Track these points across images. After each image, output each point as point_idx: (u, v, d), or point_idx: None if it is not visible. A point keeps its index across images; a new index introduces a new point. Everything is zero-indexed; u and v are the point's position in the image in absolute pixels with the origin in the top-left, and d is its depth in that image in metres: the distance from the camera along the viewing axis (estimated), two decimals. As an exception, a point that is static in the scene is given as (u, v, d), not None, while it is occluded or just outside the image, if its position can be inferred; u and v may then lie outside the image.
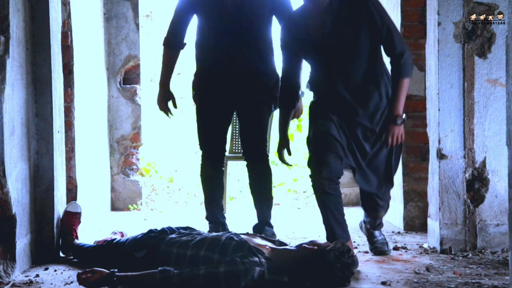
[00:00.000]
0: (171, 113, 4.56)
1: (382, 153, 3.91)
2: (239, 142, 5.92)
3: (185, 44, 4.50)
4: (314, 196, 7.09)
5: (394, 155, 3.95)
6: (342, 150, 3.80)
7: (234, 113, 4.59)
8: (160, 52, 4.65)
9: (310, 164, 3.82)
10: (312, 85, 3.98)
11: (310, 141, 3.87)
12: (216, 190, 4.61)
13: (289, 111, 4.06)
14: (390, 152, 3.92)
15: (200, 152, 4.60)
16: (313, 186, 3.84)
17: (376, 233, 4.21)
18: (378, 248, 4.13)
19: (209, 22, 4.36)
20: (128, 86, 6.43)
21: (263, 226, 4.50)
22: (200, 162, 4.61)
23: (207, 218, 4.63)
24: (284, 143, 4.07)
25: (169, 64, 4.50)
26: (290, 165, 4.24)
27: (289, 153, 4.05)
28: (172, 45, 4.46)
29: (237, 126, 5.92)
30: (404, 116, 3.84)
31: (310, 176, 3.83)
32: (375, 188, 3.97)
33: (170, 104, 4.53)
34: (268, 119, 4.50)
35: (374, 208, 4.07)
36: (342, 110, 3.84)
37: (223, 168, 4.65)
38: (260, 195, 4.54)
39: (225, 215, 4.69)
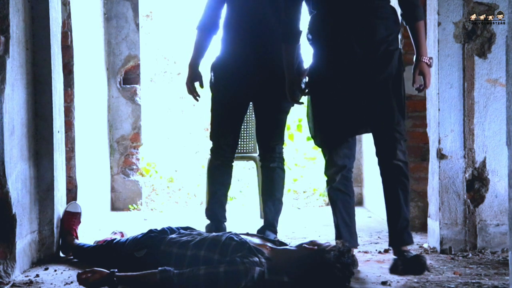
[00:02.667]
0: (198, 95, 4.43)
1: (387, 84, 3.64)
2: (239, 142, 5.92)
3: (218, 27, 4.37)
4: (314, 196, 7.17)
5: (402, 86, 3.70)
6: (349, 128, 3.70)
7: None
8: (160, 52, 4.64)
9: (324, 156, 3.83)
10: (315, 33, 3.73)
11: (316, 139, 3.81)
12: (221, 187, 4.43)
13: (294, 45, 3.83)
14: (396, 82, 3.65)
15: (208, 147, 4.43)
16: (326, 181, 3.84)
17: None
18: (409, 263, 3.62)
19: (234, 6, 4.28)
20: (128, 86, 6.43)
21: (265, 230, 4.34)
22: (209, 155, 4.47)
23: (206, 215, 4.47)
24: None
25: (199, 47, 4.39)
26: (301, 103, 4.02)
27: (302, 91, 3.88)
28: (204, 28, 4.37)
29: (237, 126, 5.91)
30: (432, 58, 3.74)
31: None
32: (387, 118, 3.64)
33: (197, 86, 4.42)
34: (286, 116, 4.35)
35: (392, 146, 3.66)
36: (349, 66, 3.63)
37: (232, 164, 4.47)
38: (269, 197, 4.39)
39: (226, 216, 4.49)
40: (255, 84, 4.26)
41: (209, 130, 4.44)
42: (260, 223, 4.55)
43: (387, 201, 3.71)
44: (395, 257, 3.64)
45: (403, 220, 3.65)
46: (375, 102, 3.62)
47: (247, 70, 4.25)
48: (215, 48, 4.43)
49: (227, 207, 4.46)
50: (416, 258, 3.56)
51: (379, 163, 3.72)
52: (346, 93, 3.64)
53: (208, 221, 4.47)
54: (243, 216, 5.98)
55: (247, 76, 4.26)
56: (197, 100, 4.47)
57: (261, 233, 4.28)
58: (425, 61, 3.66)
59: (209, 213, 4.45)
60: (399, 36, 4.45)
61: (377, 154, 3.72)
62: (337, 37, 3.63)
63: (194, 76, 4.40)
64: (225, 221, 4.46)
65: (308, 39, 3.77)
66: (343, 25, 3.62)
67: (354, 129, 3.74)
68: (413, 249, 4.26)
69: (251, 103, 4.55)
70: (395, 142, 3.64)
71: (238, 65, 4.27)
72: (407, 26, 3.70)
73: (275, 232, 4.39)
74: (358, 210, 6.21)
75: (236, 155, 5.80)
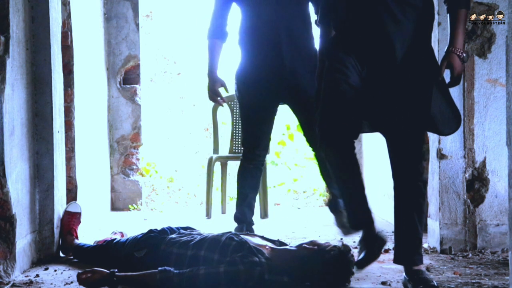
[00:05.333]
0: (223, 100, 4.45)
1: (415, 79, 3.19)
2: (239, 142, 5.92)
3: (227, 33, 4.38)
4: (314, 196, 7.17)
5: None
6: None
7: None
8: (160, 52, 4.64)
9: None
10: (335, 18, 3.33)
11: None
12: (252, 191, 4.46)
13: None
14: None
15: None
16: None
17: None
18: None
19: (247, 8, 4.28)
20: (128, 86, 6.43)
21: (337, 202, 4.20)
22: (240, 159, 4.49)
23: (235, 217, 4.46)
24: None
25: (212, 54, 4.39)
26: None
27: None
28: (213, 36, 4.37)
29: (237, 126, 5.92)
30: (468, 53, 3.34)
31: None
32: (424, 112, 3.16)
33: (222, 91, 4.44)
34: None
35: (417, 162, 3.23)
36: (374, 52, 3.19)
37: (262, 167, 4.51)
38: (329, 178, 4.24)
39: (253, 219, 4.49)
40: (281, 88, 4.28)
41: (242, 135, 4.49)
42: (261, 223, 4.56)
43: (400, 220, 3.32)
44: (406, 276, 3.31)
45: (417, 240, 3.32)
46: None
47: (269, 76, 4.27)
48: (236, 53, 4.43)
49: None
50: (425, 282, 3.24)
51: (399, 182, 3.31)
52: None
53: (236, 224, 4.46)
54: (243, 216, 5.97)
55: (270, 81, 4.27)
56: (222, 105, 4.53)
57: (332, 206, 4.23)
58: (457, 53, 3.18)
59: (239, 216, 4.46)
60: None
61: (398, 169, 3.30)
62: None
63: (214, 83, 4.41)
64: (253, 223, 4.49)
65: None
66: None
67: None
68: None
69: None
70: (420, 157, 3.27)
71: (260, 71, 4.28)
72: (448, 12, 3.27)
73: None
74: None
75: (232, 155, 5.80)
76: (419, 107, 3.16)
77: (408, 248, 3.31)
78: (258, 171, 4.48)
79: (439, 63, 3.22)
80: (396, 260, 3.35)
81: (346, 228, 3.82)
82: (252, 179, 4.46)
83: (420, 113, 3.17)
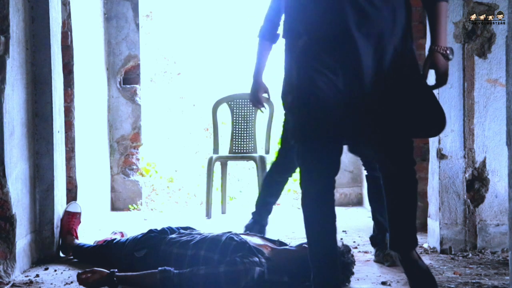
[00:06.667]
0: (263, 107, 4.27)
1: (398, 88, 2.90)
2: (239, 142, 5.93)
3: (277, 37, 4.14)
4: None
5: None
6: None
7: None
8: (160, 52, 4.64)
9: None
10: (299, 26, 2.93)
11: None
12: (273, 196, 4.43)
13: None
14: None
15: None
16: None
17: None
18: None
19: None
20: (128, 86, 6.43)
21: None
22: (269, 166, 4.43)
23: (252, 214, 4.43)
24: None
25: (260, 56, 4.18)
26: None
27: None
28: (263, 37, 4.16)
29: (236, 126, 5.92)
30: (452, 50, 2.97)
31: None
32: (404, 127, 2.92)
33: (264, 96, 4.27)
34: None
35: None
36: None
37: (290, 177, 4.39)
38: None
39: (268, 220, 4.47)
40: None
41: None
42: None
43: (394, 215, 3.05)
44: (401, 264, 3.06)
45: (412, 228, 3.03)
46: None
47: None
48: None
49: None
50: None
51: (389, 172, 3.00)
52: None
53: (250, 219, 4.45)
54: (243, 216, 5.97)
55: None
56: (262, 111, 4.36)
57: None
58: (441, 51, 2.91)
59: (257, 217, 4.44)
60: None
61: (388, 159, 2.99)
62: None
63: (257, 87, 4.20)
64: (267, 225, 4.46)
65: None
66: None
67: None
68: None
69: None
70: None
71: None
72: (426, 8, 2.99)
73: None
74: (358, 210, 6.23)
75: (232, 155, 5.76)
76: (405, 115, 2.90)
77: (401, 231, 3.02)
78: (284, 180, 4.39)
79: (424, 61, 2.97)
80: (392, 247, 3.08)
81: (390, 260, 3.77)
82: (276, 186, 4.40)
83: (407, 121, 2.91)
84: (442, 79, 2.94)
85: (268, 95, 4.29)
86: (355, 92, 2.86)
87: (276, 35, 4.15)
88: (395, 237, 3.04)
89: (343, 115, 2.87)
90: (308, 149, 2.89)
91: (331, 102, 2.85)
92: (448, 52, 2.91)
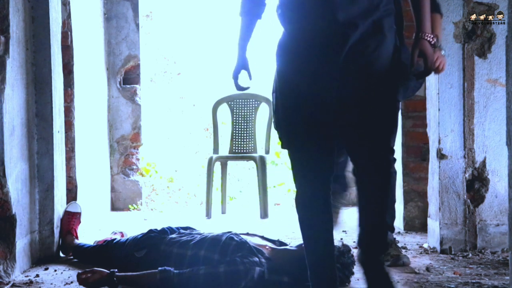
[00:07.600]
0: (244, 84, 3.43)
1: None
2: (239, 142, 5.93)
3: (263, 7, 3.31)
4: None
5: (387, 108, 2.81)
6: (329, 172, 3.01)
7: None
8: (160, 52, 4.63)
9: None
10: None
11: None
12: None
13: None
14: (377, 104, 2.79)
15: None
16: None
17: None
18: None
19: None
20: (128, 86, 6.43)
21: None
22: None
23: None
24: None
25: (242, 31, 3.30)
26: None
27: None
28: (245, 11, 3.31)
29: (236, 126, 5.93)
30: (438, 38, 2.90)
31: None
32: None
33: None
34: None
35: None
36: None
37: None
38: None
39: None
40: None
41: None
42: (261, 223, 4.56)
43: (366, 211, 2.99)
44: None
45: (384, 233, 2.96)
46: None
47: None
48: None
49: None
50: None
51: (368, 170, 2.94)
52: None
53: None
54: (243, 216, 5.97)
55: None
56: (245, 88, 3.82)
57: None
58: (427, 38, 2.78)
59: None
60: None
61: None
62: None
63: (240, 63, 3.33)
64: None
65: None
66: None
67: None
68: (413, 249, 4.26)
69: None
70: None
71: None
72: None
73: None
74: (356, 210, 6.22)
75: (232, 155, 5.75)
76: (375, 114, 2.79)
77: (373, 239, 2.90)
78: None
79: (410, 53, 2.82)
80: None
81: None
82: None
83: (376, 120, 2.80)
84: (430, 69, 2.82)
85: (249, 73, 3.67)
86: (333, 90, 2.75)
87: (261, 8, 3.32)
88: (363, 239, 2.91)
89: (325, 113, 2.79)
90: (294, 150, 2.90)
91: (312, 101, 2.77)
92: (435, 40, 2.81)
